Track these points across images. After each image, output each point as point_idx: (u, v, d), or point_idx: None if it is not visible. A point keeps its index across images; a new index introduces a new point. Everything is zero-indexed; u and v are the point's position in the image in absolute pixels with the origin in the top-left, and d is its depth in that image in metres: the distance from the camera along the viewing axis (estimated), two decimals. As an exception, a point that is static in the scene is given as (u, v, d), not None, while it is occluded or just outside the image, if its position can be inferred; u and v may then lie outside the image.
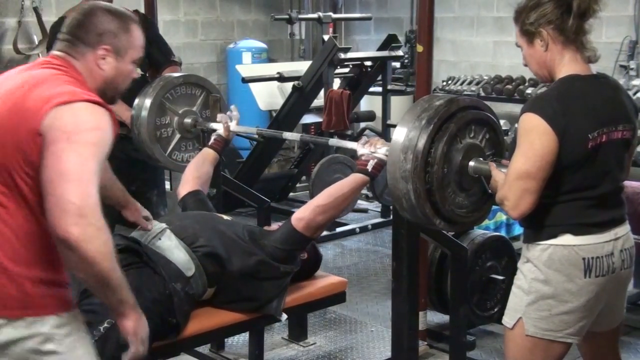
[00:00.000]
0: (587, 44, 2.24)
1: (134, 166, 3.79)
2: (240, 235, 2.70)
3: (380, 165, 2.67)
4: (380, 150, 2.67)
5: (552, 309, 2.22)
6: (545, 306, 2.23)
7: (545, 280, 2.22)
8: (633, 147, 2.36)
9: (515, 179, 2.18)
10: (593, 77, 2.25)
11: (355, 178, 2.71)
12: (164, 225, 2.67)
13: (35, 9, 5.82)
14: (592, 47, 2.26)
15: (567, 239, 2.20)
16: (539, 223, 2.24)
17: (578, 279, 2.20)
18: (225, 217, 2.87)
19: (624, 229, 2.30)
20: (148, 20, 4.01)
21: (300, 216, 2.69)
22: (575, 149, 2.15)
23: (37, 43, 5.90)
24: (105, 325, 2.32)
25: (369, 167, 2.68)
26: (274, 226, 2.93)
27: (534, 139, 2.15)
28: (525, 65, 2.35)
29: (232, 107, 3.40)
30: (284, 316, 2.75)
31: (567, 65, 2.23)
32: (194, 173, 3.13)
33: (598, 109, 2.20)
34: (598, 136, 2.18)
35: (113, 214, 3.81)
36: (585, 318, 2.25)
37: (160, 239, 2.62)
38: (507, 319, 2.32)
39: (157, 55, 3.91)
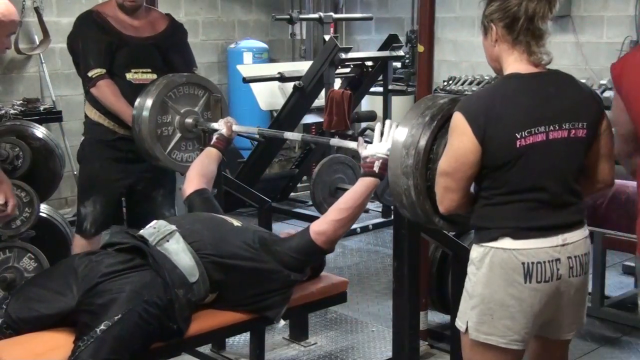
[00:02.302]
0: (536, 47, 2.16)
1: (139, 165, 3.78)
2: (250, 243, 2.68)
3: (386, 164, 2.65)
4: (382, 150, 2.67)
5: (494, 314, 2.17)
6: (487, 311, 2.18)
7: (486, 284, 2.17)
8: (599, 147, 2.22)
9: (438, 176, 2.20)
10: (535, 75, 2.16)
11: (365, 183, 2.68)
12: (173, 227, 2.66)
13: (37, 9, 5.81)
14: (542, 51, 2.17)
15: (506, 242, 2.14)
16: (482, 224, 2.20)
17: (518, 284, 2.13)
18: (235, 222, 2.82)
19: (576, 235, 2.19)
20: (177, 27, 3.96)
21: (321, 231, 2.66)
22: (501, 149, 2.10)
23: (38, 43, 5.89)
24: (102, 327, 2.31)
25: (376, 169, 2.67)
26: (288, 230, 2.93)
27: (453, 139, 2.15)
28: None
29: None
30: (282, 322, 2.74)
31: (512, 64, 2.19)
32: (199, 171, 3.12)
33: (531, 108, 2.12)
34: (529, 135, 2.10)
35: (108, 212, 3.83)
36: (531, 324, 2.18)
37: (168, 240, 2.60)
38: (459, 322, 2.28)
39: (178, 63, 3.82)
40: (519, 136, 2.10)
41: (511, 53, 2.19)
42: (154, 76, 3.72)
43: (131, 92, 3.65)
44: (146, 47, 3.74)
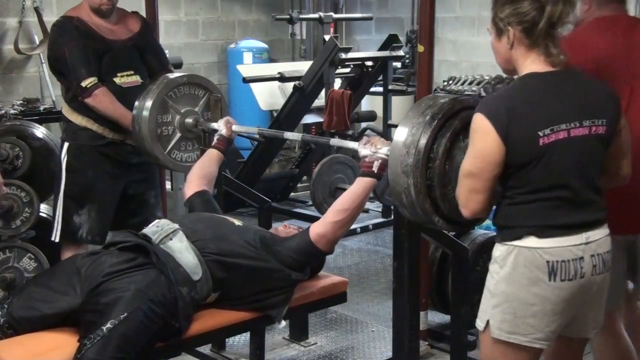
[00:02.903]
0: (554, 48, 2.18)
1: (128, 170, 3.77)
2: (252, 243, 2.69)
3: (385, 165, 2.65)
4: (382, 150, 2.67)
5: (517, 312, 2.17)
6: (509, 309, 2.18)
7: (509, 282, 2.17)
8: (619, 144, 2.27)
9: (462, 178, 2.19)
10: (552, 73, 2.18)
11: (363, 183, 2.69)
12: (176, 225, 2.68)
13: (36, 9, 5.81)
14: (558, 52, 2.19)
15: (531, 241, 2.15)
16: (506, 223, 2.20)
17: (542, 283, 2.14)
18: (236, 222, 2.85)
19: (599, 233, 2.21)
20: (147, 25, 3.93)
21: (321, 233, 2.68)
22: (524, 147, 2.11)
23: (37, 43, 5.89)
24: (108, 325, 2.32)
25: (374, 169, 2.67)
26: (290, 229, 2.94)
27: (476, 140, 2.15)
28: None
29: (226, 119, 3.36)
30: (283, 323, 2.75)
31: (529, 65, 2.20)
32: (199, 173, 3.13)
33: (552, 106, 2.14)
34: (552, 133, 2.12)
35: (104, 219, 3.80)
36: (554, 323, 2.19)
37: (171, 239, 2.62)
38: (479, 321, 2.27)
39: (153, 62, 3.82)
40: (541, 134, 2.11)
41: (528, 55, 2.20)
42: (137, 77, 3.71)
43: (122, 96, 3.62)
44: (127, 50, 3.71)
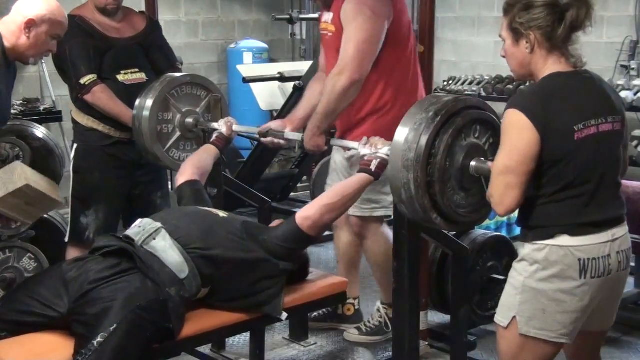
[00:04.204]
0: (573, 51, 2.26)
1: (137, 170, 3.77)
2: (238, 234, 2.67)
3: (383, 164, 2.66)
4: (382, 150, 2.67)
5: (546, 309, 2.22)
6: (539, 305, 2.22)
7: (540, 279, 2.21)
8: (626, 139, 2.36)
9: (497, 175, 2.21)
10: (575, 73, 2.26)
11: (359, 178, 2.70)
12: (158, 224, 2.63)
13: (37, 9, 5.81)
14: (577, 54, 2.27)
15: (564, 239, 2.19)
16: (536, 223, 2.24)
17: (573, 280, 2.19)
18: (221, 214, 2.81)
19: (622, 230, 2.28)
20: (155, 24, 3.94)
21: (306, 215, 2.66)
22: (562, 142, 2.17)
23: (38, 43, 5.89)
24: (99, 339, 2.29)
25: (373, 167, 2.67)
26: (276, 222, 2.92)
27: (513, 134, 2.18)
28: (504, 56, 2.36)
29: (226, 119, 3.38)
30: (284, 315, 2.73)
31: (551, 66, 2.25)
32: (195, 163, 3.11)
33: (582, 102, 2.22)
34: (585, 128, 2.18)
35: (111, 220, 3.80)
36: (580, 319, 2.25)
37: (154, 238, 2.57)
38: (501, 318, 2.31)
39: (161, 61, 3.83)
40: (576, 129, 2.17)
41: (549, 58, 2.25)
42: (143, 75, 3.71)
43: (125, 93, 3.62)
44: (131, 48, 3.71)
